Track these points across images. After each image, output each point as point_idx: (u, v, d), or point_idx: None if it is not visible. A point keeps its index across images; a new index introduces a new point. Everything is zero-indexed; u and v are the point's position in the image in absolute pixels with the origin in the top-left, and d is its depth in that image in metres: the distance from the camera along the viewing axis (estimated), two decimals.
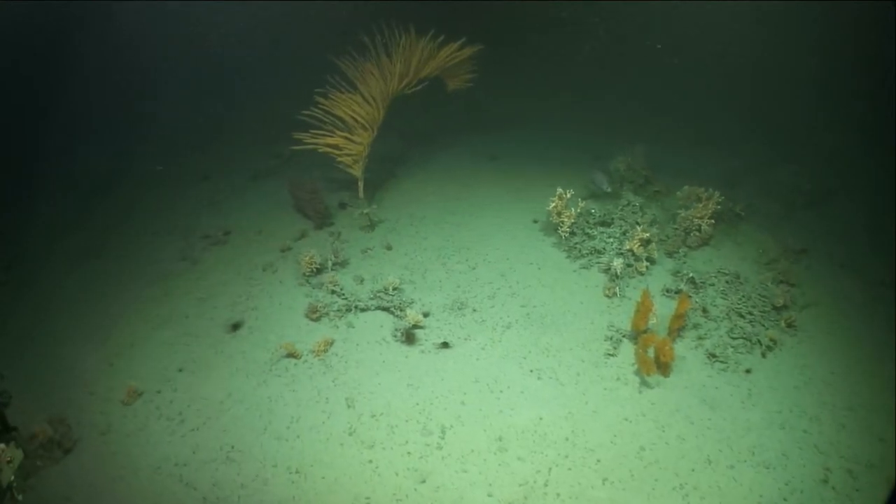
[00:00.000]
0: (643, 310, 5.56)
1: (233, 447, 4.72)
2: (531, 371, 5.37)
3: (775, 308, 6.07)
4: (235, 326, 5.91)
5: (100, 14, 10.59)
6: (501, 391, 5.16)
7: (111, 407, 5.21)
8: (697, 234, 6.79)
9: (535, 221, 7.16)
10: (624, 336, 5.72)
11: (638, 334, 5.62)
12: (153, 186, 8.86)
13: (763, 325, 5.92)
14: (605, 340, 5.68)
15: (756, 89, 10.18)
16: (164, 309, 6.28)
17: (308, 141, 6.60)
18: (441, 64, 6.96)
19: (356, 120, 6.51)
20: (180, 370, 5.51)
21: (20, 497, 3.36)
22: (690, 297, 5.92)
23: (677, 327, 5.73)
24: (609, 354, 5.53)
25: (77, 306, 6.48)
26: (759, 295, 6.23)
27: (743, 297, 6.20)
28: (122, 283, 6.75)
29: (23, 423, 4.93)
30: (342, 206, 7.59)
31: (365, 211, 6.93)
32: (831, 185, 8.24)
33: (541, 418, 4.89)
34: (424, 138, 9.51)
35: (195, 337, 5.87)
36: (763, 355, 5.61)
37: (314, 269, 6.25)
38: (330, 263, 6.43)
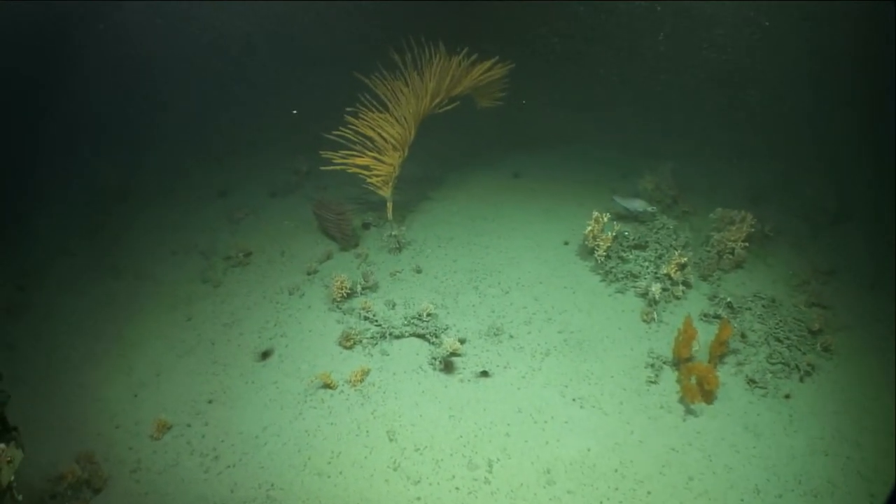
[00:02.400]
0: (686, 337, 5.50)
1: (272, 485, 4.54)
2: (574, 400, 5.28)
3: (811, 332, 6.05)
4: (265, 354, 5.72)
5: (112, 19, 10.32)
6: (546, 421, 5.06)
7: (140, 442, 4.99)
8: (731, 256, 6.75)
9: (566, 243, 7.06)
10: (665, 363, 5.65)
11: (680, 362, 5.56)
12: (168, 202, 8.62)
13: (800, 350, 5.89)
14: (646, 367, 5.61)
15: (776, 102, 10.20)
16: (188, 335, 6.07)
17: (338, 161, 6.43)
18: (474, 82, 6.85)
19: (385, 140, 6.35)
20: (210, 401, 5.31)
21: (20, 497, 3.30)
22: (729, 322, 5.87)
23: (719, 354, 5.68)
24: (651, 382, 5.47)
25: (96, 330, 6.25)
26: (794, 319, 6.21)
27: (780, 321, 6.17)
28: (143, 305, 6.52)
29: (49, 460, 4.76)
30: (366, 226, 7.43)
31: (394, 233, 6.77)
32: (854, 203, 8.27)
33: (588, 450, 4.83)
34: (442, 156, 9.37)
35: (223, 366, 5.67)
36: (801, 380, 5.60)
37: (345, 294, 6.08)
38: (359, 288, 6.26)
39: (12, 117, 8.62)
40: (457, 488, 4.46)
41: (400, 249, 6.94)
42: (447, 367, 5.50)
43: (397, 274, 6.61)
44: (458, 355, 5.59)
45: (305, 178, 8.58)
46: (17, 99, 8.85)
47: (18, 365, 5.91)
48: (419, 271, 6.66)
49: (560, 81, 11.21)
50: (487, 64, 6.88)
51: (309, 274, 6.67)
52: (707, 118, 10.20)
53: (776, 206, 8.28)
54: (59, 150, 9.30)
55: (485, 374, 5.46)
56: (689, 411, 5.14)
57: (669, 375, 5.58)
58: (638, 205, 6.99)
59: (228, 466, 4.72)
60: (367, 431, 4.94)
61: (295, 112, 6.18)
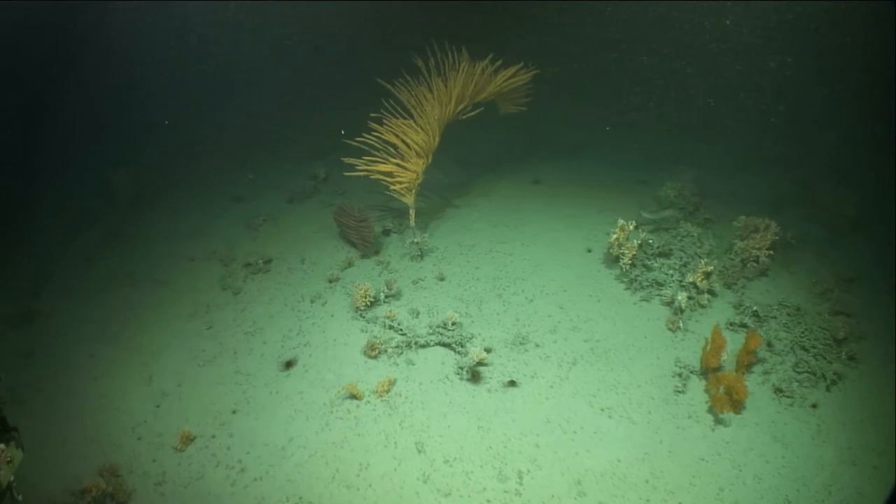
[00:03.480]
0: (715, 347, 5.46)
1: (301, 498, 4.47)
2: (602, 410, 5.22)
3: (836, 341, 6.01)
4: (289, 364, 5.63)
5: (126, 20, 10.25)
6: (575, 432, 5.01)
7: (164, 454, 4.90)
8: (755, 264, 6.70)
9: (590, 251, 7.00)
10: (692, 372, 5.60)
11: (708, 371, 5.52)
12: (184, 208, 8.54)
13: (825, 359, 5.85)
14: (673, 376, 5.56)
15: (797, 108, 10.16)
16: (209, 344, 5.98)
17: (361, 168, 6.36)
18: (499, 88, 6.79)
19: (409, 146, 6.29)
20: (234, 412, 5.22)
21: (20, 497, 3.29)
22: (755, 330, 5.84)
23: (747, 363, 5.63)
24: (678, 391, 5.42)
25: (114, 338, 6.16)
26: (819, 327, 6.17)
27: (805, 329, 6.13)
28: (162, 313, 6.43)
29: (71, 473, 4.67)
30: (386, 232, 7.36)
31: (416, 240, 6.70)
32: (874, 209, 8.24)
33: (619, 460, 4.79)
34: (460, 162, 9.31)
35: (246, 375, 5.58)
36: (828, 389, 5.56)
37: (368, 303, 6.00)
38: (382, 296, 6.18)
39: (26, 122, 8.54)
40: (488, 501, 4.40)
41: (422, 257, 6.87)
42: (474, 376, 5.42)
43: (420, 282, 6.54)
44: (485, 365, 5.52)
45: (323, 184, 8.51)
46: (31, 103, 8.78)
47: (35, 373, 5.84)
48: (442, 279, 6.59)
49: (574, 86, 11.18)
50: (512, 70, 6.83)
51: (331, 282, 6.58)
52: (725, 124, 10.18)
53: (796, 213, 8.24)
54: (72, 156, 9.21)
55: (512, 383, 5.39)
56: (717, 421, 5.10)
57: (696, 385, 5.53)
58: (668, 214, 6.96)
59: (255, 479, 4.63)
60: (396, 443, 4.86)
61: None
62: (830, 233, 7.96)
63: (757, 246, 6.68)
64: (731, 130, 10.06)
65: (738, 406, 5.29)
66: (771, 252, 6.69)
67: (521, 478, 4.59)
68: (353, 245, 7.06)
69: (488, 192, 8.43)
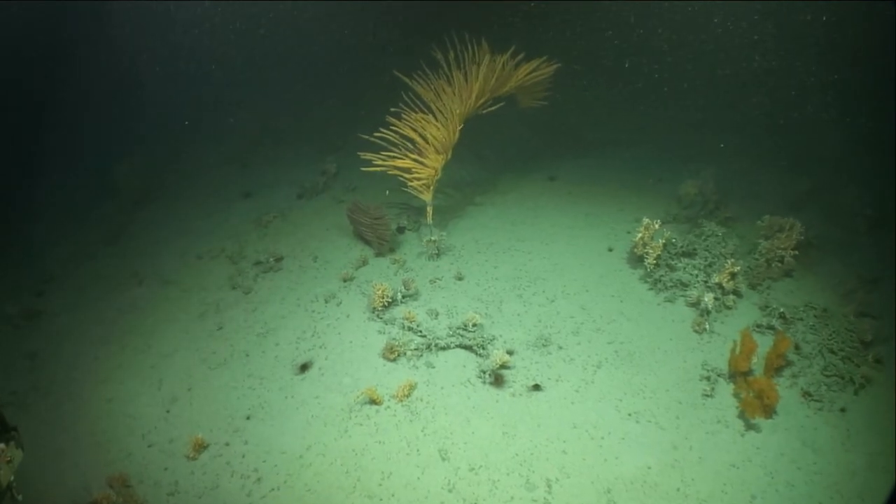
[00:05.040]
0: (746, 350, 5.30)
1: None
2: (629, 414, 5.05)
3: (863, 343, 5.85)
4: (304, 367, 5.42)
5: (134, 18, 10.01)
6: (602, 438, 4.83)
7: (175, 462, 4.70)
8: (779, 265, 6.53)
9: (611, 249, 6.80)
10: (719, 375, 5.44)
11: (737, 375, 5.36)
12: (191, 204, 8.30)
13: (853, 362, 5.69)
14: (701, 380, 5.39)
15: (814, 107, 9.99)
16: (220, 346, 5.76)
17: (378, 164, 6.13)
18: (520, 82, 6.56)
19: (427, 141, 6.06)
20: (248, 418, 5.02)
21: (20, 497, 3.24)
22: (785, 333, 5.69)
23: (776, 366, 5.47)
24: (706, 395, 5.26)
25: (121, 340, 5.95)
26: (846, 329, 6.01)
27: (833, 332, 5.96)
28: (170, 314, 6.21)
29: (80, 482, 4.47)
30: (400, 230, 7.14)
31: (433, 238, 6.48)
32: (894, 208, 8.09)
33: (649, 467, 4.62)
34: (474, 158, 9.08)
35: (260, 379, 5.37)
36: (856, 393, 5.41)
37: (385, 303, 5.79)
38: (399, 296, 5.97)
39: (32, 119, 8.30)
40: None
41: (438, 255, 6.66)
42: (497, 380, 5.23)
43: (437, 281, 6.33)
44: (507, 368, 5.34)
45: (333, 180, 8.27)
46: (37, 100, 8.54)
47: (40, 376, 5.64)
48: (460, 278, 6.38)
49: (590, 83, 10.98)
50: (534, 63, 6.60)
51: (345, 281, 6.37)
52: (742, 122, 9.99)
53: (815, 212, 8.08)
54: (77, 152, 8.95)
55: (537, 387, 5.20)
56: (747, 426, 4.94)
57: (724, 388, 5.37)
58: None
59: (273, 489, 4.44)
60: (418, 450, 4.67)
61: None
62: (849, 232, 7.80)
63: (782, 246, 6.51)
64: (749, 129, 9.88)
65: (769, 411, 5.14)
66: (796, 252, 6.53)
67: (549, 486, 4.42)
68: (367, 243, 6.84)
69: (504, 188, 8.21)
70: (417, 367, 5.37)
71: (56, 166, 8.63)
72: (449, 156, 6.23)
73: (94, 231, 7.80)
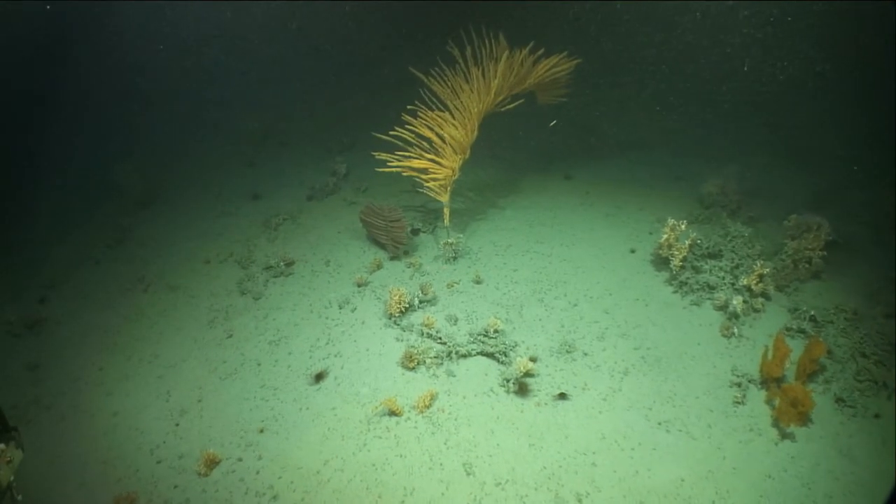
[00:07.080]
0: (779, 355, 5.06)
1: None
2: (659, 424, 4.82)
3: (894, 346, 5.62)
4: (319, 377, 5.18)
5: (140, 22, 9.79)
6: (633, 448, 4.60)
7: (186, 479, 4.45)
8: (807, 266, 6.29)
9: (633, 251, 6.57)
10: (750, 381, 5.21)
11: (769, 381, 5.13)
12: (198, 207, 8.06)
13: (885, 366, 5.46)
14: (731, 386, 5.17)
15: (833, 105, 9.78)
16: (230, 354, 5.52)
17: (394, 164, 5.88)
18: (539, 79, 6.32)
19: (444, 141, 5.82)
20: (261, 431, 4.77)
21: (20, 497, 3.18)
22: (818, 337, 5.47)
23: (809, 372, 5.24)
24: (737, 402, 5.02)
25: (127, 348, 5.71)
26: (877, 332, 5.77)
27: (864, 335, 5.73)
28: (177, 321, 5.97)
29: (86, 502, 4.21)
30: (415, 232, 6.90)
31: (450, 241, 6.24)
32: None
33: (682, 479, 4.38)
34: (487, 157, 8.84)
35: (273, 389, 5.13)
36: (889, 398, 5.17)
37: (402, 309, 5.55)
38: (417, 301, 5.73)
39: (35, 123, 8.06)
40: None
41: (455, 258, 6.42)
42: (521, 388, 4.99)
43: (455, 285, 6.09)
44: (531, 375, 5.10)
45: (343, 181, 8.03)
46: (40, 103, 8.31)
47: (42, 388, 5.39)
48: (479, 282, 6.14)
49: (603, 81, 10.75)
50: (553, 59, 6.35)
51: (359, 286, 6.13)
52: (761, 121, 9.76)
53: (837, 211, 7.86)
54: (81, 155, 8.71)
55: (563, 396, 4.96)
56: (781, 434, 4.72)
57: (756, 395, 5.14)
58: None
59: None
60: (441, 464, 4.43)
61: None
62: (873, 231, 7.59)
63: (810, 246, 6.27)
64: (767, 127, 9.66)
65: (804, 419, 4.91)
66: (824, 253, 6.31)
67: (580, 501, 4.19)
68: (381, 246, 6.60)
69: (520, 188, 7.97)
70: (437, 376, 5.13)
71: (56, 166, 8.39)
72: (467, 155, 5.99)
73: (97, 233, 7.55)
